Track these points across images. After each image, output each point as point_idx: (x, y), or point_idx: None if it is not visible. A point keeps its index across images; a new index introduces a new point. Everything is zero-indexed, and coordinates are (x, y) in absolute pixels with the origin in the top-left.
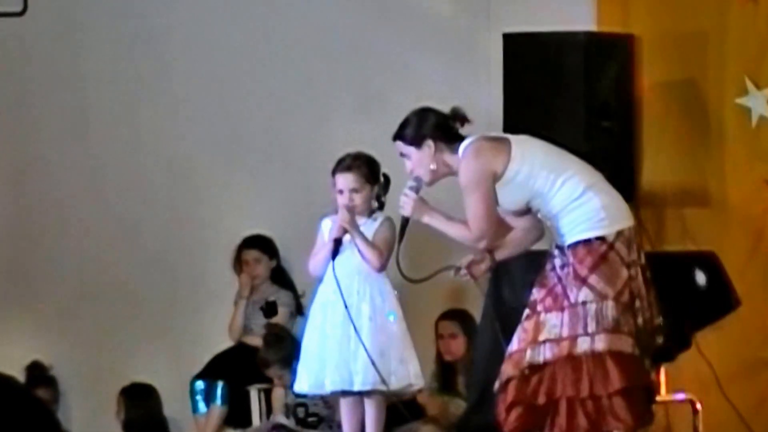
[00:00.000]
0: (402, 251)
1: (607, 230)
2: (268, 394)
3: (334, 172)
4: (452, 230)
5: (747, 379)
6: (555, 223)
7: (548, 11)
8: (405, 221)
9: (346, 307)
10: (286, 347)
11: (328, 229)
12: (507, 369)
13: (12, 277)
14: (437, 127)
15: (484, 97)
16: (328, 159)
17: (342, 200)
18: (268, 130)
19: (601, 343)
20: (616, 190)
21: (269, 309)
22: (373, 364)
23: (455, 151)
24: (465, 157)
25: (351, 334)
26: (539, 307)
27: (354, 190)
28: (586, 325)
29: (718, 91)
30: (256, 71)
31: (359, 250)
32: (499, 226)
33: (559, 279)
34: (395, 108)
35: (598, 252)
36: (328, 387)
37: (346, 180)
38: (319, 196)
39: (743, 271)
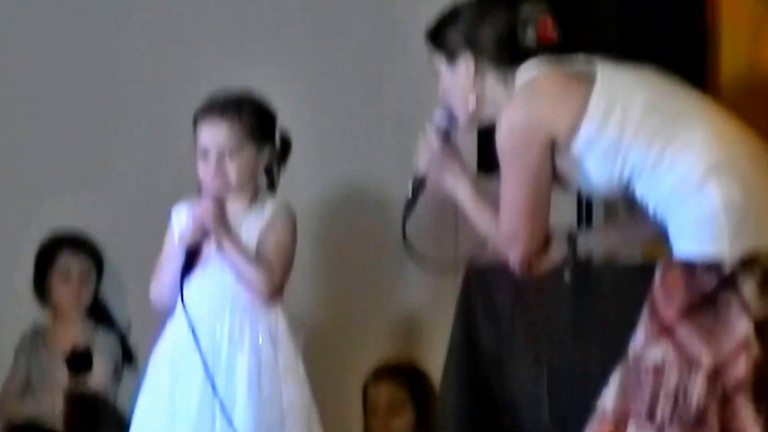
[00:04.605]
0: None
1: (726, 249)
2: None
3: (196, 121)
4: (480, 218)
5: None
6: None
7: None
8: (418, 182)
9: (204, 364)
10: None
11: (182, 225)
12: None
13: None
14: (488, 32)
15: None
16: None
17: (206, 172)
18: None
19: None
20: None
21: (79, 361)
22: None
23: (513, 79)
24: (510, 102)
25: (216, 410)
26: None
27: (227, 152)
28: (653, 407)
29: None
30: None
31: (232, 267)
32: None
33: None
34: None
35: (701, 287)
36: None
37: (215, 133)
38: None
39: None
